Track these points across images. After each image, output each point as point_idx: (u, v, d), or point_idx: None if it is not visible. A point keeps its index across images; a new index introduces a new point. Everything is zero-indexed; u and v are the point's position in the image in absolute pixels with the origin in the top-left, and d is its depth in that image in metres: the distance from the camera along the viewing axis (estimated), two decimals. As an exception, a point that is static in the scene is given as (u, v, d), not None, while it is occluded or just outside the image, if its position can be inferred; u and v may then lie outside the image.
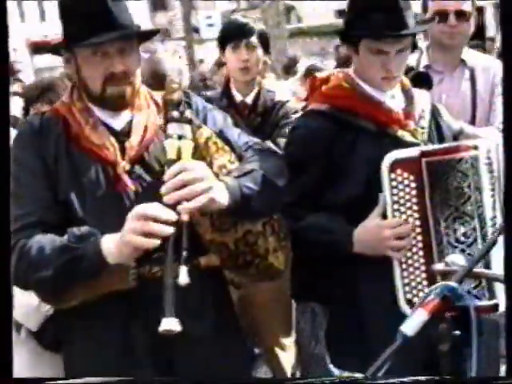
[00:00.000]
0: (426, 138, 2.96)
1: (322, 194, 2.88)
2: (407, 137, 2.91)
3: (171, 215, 2.28)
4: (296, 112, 4.18)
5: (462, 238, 2.75)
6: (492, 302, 2.68)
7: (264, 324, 4.05)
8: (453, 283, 1.92)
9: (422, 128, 2.97)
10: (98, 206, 2.47)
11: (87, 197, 2.47)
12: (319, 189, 2.89)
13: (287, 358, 4.14)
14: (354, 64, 2.99)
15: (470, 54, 4.00)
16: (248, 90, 4.19)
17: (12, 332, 2.14)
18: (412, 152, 2.80)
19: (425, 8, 3.91)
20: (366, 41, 2.85)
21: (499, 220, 2.72)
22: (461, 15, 3.79)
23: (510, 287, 1.71)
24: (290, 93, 5.55)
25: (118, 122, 2.57)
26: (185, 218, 2.30)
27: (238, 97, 4.15)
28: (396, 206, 2.79)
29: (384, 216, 2.81)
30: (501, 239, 2.12)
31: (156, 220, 2.26)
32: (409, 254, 2.80)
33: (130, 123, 2.57)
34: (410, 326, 1.87)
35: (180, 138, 2.44)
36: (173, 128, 2.46)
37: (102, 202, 2.47)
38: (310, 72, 8.25)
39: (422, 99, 3.05)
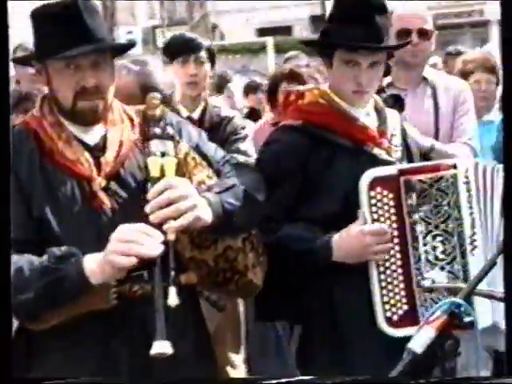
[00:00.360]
0: (399, 156, 2.98)
1: (298, 209, 2.87)
2: (383, 155, 2.92)
3: (158, 237, 2.24)
4: (243, 128, 4.18)
5: (442, 256, 2.77)
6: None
7: (216, 341, 4.03)
8: (459, 300, 1.92)
9: (396, 146, 2.99)
10: (75, 222, 2.40)
11: (63, 213, 2.40)
12: (294, 204, 2.88)
13: (238, 375, 4.12)
14: (329, 79, 3.00)
15: (431, 72, 4.08)
16: (194, 105, 4.18)
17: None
18: (390, 170, 2.82)
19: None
20: (340, 52, 2.85)
21: (478, 238, 2.75)
22: (423, 34, 3.89)
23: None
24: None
25: (91, 136, 2.51)
26: (171, 237, 2.27)
27: (184, 112, 4.09)
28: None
29: (362, 233, 2.82)
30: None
31: (142, 243, 2.22)
32: (388, 272, 2.81)
33: (103, 138, 2.51)
34: (418, 343, 1.88)
35: (163, 155, 2.41)
36: (155, 145, 2.43)
37: (79, 218, 2.41)
38: (250, 88, 8.27)
39: (393, 119, 3.07)
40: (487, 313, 2.77)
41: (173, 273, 2.24)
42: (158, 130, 2.46)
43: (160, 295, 2.20)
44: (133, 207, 2.40)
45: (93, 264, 2.27)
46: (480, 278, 2.02)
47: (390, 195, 2.79)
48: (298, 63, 4.52)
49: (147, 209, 2.30)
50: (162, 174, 2.38)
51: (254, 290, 2.63)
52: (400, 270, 2.81)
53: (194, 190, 2.38)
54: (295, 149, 2.88)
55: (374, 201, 2.79)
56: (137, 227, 2.26)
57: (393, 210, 2.80)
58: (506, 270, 1.75)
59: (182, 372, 2.48)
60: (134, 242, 2.22)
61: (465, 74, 4.85)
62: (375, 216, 2.80)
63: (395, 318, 2.81)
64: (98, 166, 2.46)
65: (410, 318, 2.80)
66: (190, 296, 2.55)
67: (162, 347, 2.16)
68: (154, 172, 2.38)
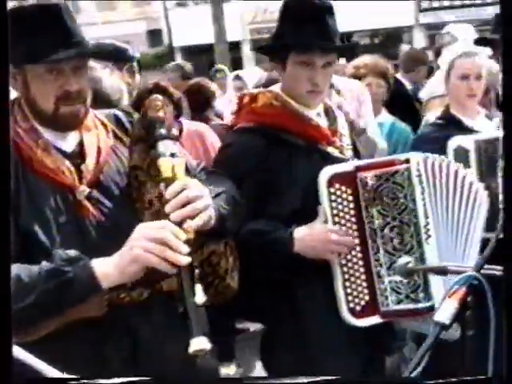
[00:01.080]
0: (351, 154, 3.12)
1: (262, 209, 2.94)
2: (336, 153, 3.05)
3: (183, 238, 2.23)
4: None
5: (399, 246, 2.90)
6: (429, 304, 2.89)
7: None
8: (475, 273, 2.03)
9: (347, 145, 3.12)
10: (62, 234, 2.34)
11: (49, 225, 2.33)
12: (255, 205, 2.94)
13: None
14: (282, 82, 3.09)
15: (336, 79, 4.29)
16: None
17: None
18: (347, 167, 2.94)
19: None
20: (294, 54, 2.96)
21: (431, 227, 2.90)
22: None
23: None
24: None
25: (67, 143, 2.46)
26: (191, 236, 2.27)
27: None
28: (336, 219, 2.92)
29: (324, 227, 2.93)
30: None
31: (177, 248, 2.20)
32: (349, 265, 2.92)
33: (80, 145, 2.46)
34: (445, 315, 1.95)
35: (172, 155, 2.40)
36: (164, 146, 2.41)
37: (65, 229, 2.35)
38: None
39: (341, 118, 3.20)
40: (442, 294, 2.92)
41: (197, 271, 2.24)
42: (164, 131, 2.44)
43: (190, 293, 2.18)
44: (118, 215, 2.39)
45: (105, 267, 2.23)
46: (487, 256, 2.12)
47: (348, 191, 2.91)
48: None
49: (167, 208, 2.29)
50: (174, 175, 2.38)
51: (231, 294, 2.65)
52: (361, 262, 2.93)
53: (207, 190, 2.41)
54: (252, 150, 2.95)
55: (333, 197, 2.91)
56: (168, 227, 2.23)
57: (351, 205, 2.92)
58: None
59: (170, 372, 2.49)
60: (169, 245, 2.19)
61: (358, 77, 5.09)
62: (335, 211, 2.91)
63: (358, 308, 2.93)
64: (79, 173, 2.41)
65: (372, 307, 2.93)
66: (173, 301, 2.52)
67: (200, 343, 2.14)
68: (166, 173, 2.37)
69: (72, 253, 2.26)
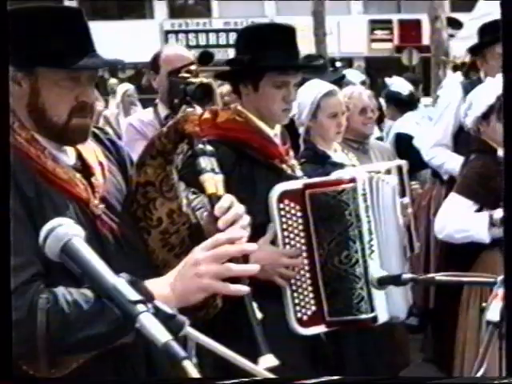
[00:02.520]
0: (301, 173, 3.29)
1: None
2: (289, 171, 3.21)
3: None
4: None
5: (345, 260, 3.07)
6: (372, 315, 3.08)
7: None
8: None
9: (297, 164, 3.31)
10: None
11: None
12: None
13: None
14: (249, 102, 3.22)
15: None
16: None
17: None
18: (296, 184, 3.10)
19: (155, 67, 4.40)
20: (270, 75, 3.14)
21: (375, 243, 3.09)
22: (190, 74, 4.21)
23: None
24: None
25: (68, 157, 2.29)
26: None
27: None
28: (285, 233, 3.08)
29: (272, 243, 3.07)
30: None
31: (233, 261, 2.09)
32: (297, 277, 3.09)
33: (80, 159, 2.30)
34: (495, 314, 2.20)
35: (213, 170, 2.38)
36: (204, 162, 2.37)
37: (89, 245, 2.07)
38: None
39: (287, 137, 3.38)
40: (384, 308, 3.12)
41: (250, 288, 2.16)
42: (203, 146, 2.40)
43: (254, 311, 2.16)
44: (125, 232, 2.29)
45: (163, 292, 2.03)
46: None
47: (297, 207, 3.07)
48: None
49: (220, 225, 2.24)
50: (217, 190, 2.35)
51: (216, 311, 2.52)
52: (308, 275, 3.09)
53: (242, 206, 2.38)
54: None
55: (282, 212, 3.06)
56: (235, 245, 2.10)
57: (300, 221, 3.08)
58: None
59: None
60: (228, 265, 2.05)
61: None
62: (284, 226, 3.07)
63: (305, 318, 3.10)
64: (91, 187, 2.27)
65: (318, 317, 3.10)
66: None
67: (270, 361, 2.12)
68: (211, 189, 2.34)
69: (127, 277, 1.98)
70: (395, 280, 2.93)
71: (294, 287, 3.09)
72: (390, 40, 28.29)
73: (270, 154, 3.19)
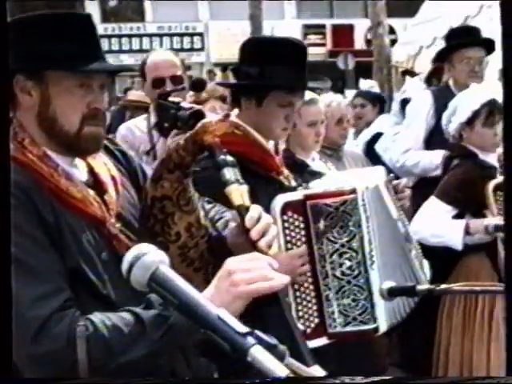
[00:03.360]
0: (295, 183, 3.26)
1: None
2: (286, 182, 3.19)
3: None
4: None
5: (348, 271, 3.06)
6: (374, 325, 3.08)
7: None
8: None
9: (291, 175, 3.29)
10: (108, 272, 2.12)
11: (95, 262, 2.11)
12: None
13: None
14: (250, 116, 3.20)
15: None
16: None
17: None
18: (297, 195, 3.08)
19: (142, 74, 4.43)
20: (276, 94, 3.10)
21: (375, 253, 3.08)
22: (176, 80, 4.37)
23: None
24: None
25: (79, 172, 2.22)
26: None
27: None
28: (289, 246, 3.05)
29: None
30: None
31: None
32: (301, 289, 3.06)
33: (91, 174, 2.25)
34: None
35: (238, 181, 2.34)
36: (229, 173, 2.34)
37: (110, 267, 2.13)
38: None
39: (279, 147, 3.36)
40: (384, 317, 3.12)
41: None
42: (225, 157, 2.36)
43: (294, 320, 2.13)
44: None
45: None
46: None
47: (300, 218, 3.04)
48: None
49: (254, 235, 2.20)
50: (244, 201, 2.31)
51: None
52: (311, 287, 3.07)
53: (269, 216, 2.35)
54: None
55: (286, 224, 3.04)
56: (261, 257, 2.04)
57: (303, 232, 3.05)
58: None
59: None
60: (263, 272, 1.98)
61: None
62: (288, 238, 3.05)
63: (308, 330, 3.07)
64: (105, 205, 2.21)
65: (321, 329, 3.08)
66: None
67: (318, 371, 1.99)
68: (237, 200, 2.30)
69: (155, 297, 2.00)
70: (408, 291, 2.94)
71: (298, 300, 3.07)
72: (323, 45, 28.53)
73: (269, 167, 3.17)
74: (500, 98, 4.59)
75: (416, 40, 11.44)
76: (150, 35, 26.48)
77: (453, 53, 5.41)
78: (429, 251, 3.79)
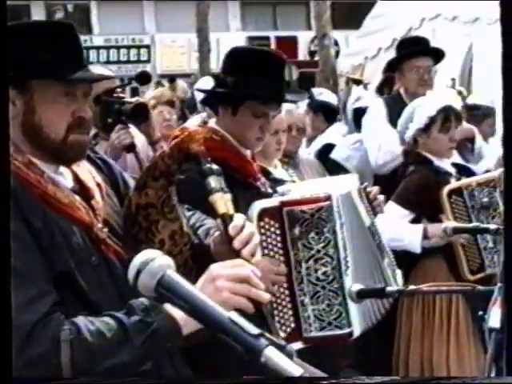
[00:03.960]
0: (271, 191, 3.31)
1: None
2: (263, 188, 3.23)
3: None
4: None
5: (323, 277, 3.11)
6: (349, 330, 3.14)
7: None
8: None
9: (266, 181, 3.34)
10: (97, 276, 2.16)
11: (85, 267, 2.13)
12: None
13: None
14: (226, 124, 3.24)
15: None
16: None
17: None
18: (273, 202, 3.13)
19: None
20: (251, 104, 3.15)
21: (349, 259, 3.15)
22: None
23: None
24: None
25: (64, 179, 2.24)
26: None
27: None
28: (265, 251, 3.09)
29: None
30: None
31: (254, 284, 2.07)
32: (277, 294, 3.10)
33: (77, 180, 2.27)
34: (496, 321, 2.23)
35: (222, 190, 2.38)
36: (214, 181, 2.38)
37: (98, 271, 2.17)
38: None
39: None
40: (358, 322, 3.18)
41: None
42: (210, 166, 2.40)
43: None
44: (129, 256, 2.16)
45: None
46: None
47: (276, 225, 3.09)
48: None
49: (237, 244, 2.27)
50: (228, 210, 2.36)
51: None
52: (287, 292, 3.12)
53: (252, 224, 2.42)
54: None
55: (263, 230, 3.08)
56: (247, 265, 2.10)
57: (279, 238, 3.10)
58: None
59: None
60: (251, 284, 2.05)
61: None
62: (264, 244, 3.08)
63: (284, 335, 3.11)
64: (93, 210, 2.23)
65: (296, 333, 3.12)
66: None
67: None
68: (222, 208, 2.35)
69: (145, 301, 2.05)
70: (378, 293, 3.01)
71: (274, 305, 3.11)
72: (268, 56, 28.66)
73: (248, 173, 3.22)
74: (454, 105, 4.77)
75: (361, 51, 11.65)
76: (97, 47, 26.35)
77: (403, 62, 5.54)
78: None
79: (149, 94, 6.27)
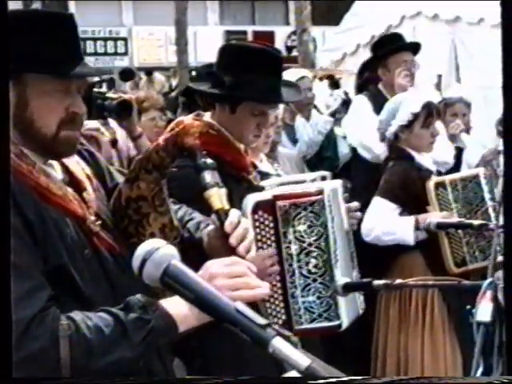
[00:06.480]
0: (261, 184, 3.36)
1: None
2: (255, 182, 3.27)
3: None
4: None
5: (314, 270, 3.16)
6: (338, 322, 3.18)
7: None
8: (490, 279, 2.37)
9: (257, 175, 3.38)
10: (90, 269, 2.12)
11: (77, 259, 2.09)
12: None
13: None
14: (220, 117, 3.28)
15: None
16: None
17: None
18: (266, 195, 3.16)
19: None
20: (249, 103, 3.19)
21: (339, 252, 3.19)
22: None
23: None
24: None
25: (55, 171, 2.20)
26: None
27: None
28: (259, 244, 3.13)
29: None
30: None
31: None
32: (269, 287, 3.13)
33: (67, 173, 2.23)
34: (485, 314, 2.28)
35: (217, 184, 2.40)
36: (209, 176, 2.39)
37: (92, 264, 2.14)
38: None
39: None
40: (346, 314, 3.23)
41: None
42: (206, 160, 2.40)
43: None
44: (120, 249, 2.24)
45: (181, 310, 1.97)
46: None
47: (270, 218, 3.13)
48: None
49: (233, 240, 2.29)
50: (223, 205, 2.37)
51: None
52: (279, 285, 3.16)
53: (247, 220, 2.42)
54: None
55: (257, 223, 3.12)
56: (242, 262, 2.09)
57: (272, 231, 3.14)
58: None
59: None
60: (247, 278, 2.03)
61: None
62: (258, 237, 3.12)
63: (276, 327, 3.15)
64: (85, 202, 2.20)
65: (287, 326, 3.16)
66: None
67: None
68: (217, 203, 2.36)
69: (142, 298, 2.03)
70: (364, 286, 3.05)
71: (266, 297, 3.14)
72: (245, 50, 28.74)
73: (242, 167, 3.26)
74: (434, 100, 4.84)
75: (340, 47, 11.72)
76: (74, 39, 26.21)
77: (387, 58, 5.68)
78: (363, 250, 3.93)
79: (141, 94, 6.26)
